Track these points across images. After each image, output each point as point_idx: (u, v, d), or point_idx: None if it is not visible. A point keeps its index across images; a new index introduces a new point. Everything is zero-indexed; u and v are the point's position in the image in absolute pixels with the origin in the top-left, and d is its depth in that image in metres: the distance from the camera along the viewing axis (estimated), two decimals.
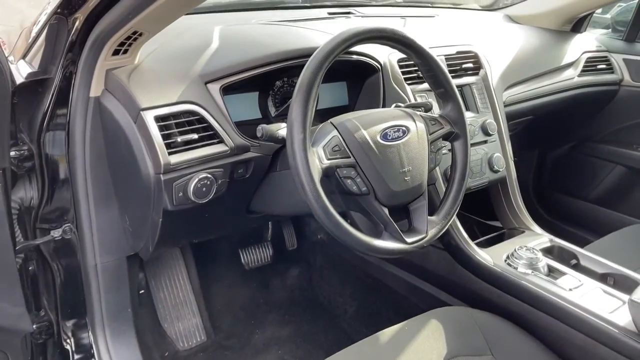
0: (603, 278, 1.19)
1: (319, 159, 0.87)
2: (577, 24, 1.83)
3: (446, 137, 1.04)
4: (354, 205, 0.97)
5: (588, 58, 1.72)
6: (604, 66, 1.75)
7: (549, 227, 1.42)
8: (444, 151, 1.06)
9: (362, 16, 1.60)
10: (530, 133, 1.74)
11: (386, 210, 0.93)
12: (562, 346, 1.05)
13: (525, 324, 1.10)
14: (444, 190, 1.05)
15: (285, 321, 1.60)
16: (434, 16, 1.77)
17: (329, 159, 0.88)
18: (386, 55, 1.25)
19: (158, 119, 0.94)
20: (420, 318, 1.07)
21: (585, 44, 1.78)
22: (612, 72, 1.77)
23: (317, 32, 1.25)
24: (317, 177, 0.84)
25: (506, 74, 1.49)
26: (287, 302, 1.65)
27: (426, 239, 0.97)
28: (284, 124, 0.93)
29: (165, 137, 0.93)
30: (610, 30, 1.95)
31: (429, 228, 0.98)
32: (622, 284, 1.16)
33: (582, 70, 1.68)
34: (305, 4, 1.60)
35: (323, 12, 1.55)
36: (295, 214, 1.49)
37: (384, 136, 0.93)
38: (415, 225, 0.98)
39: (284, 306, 1.64)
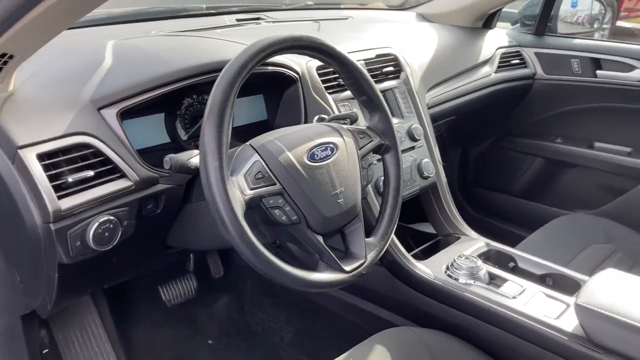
0: (542, 279, 1.17)
1: (240, 190, 0.76)
2: (488, 20, 1.84)
3: (376, 150, 0.96)
4: (285, 236, 0.87)
5: (502, 54, 1.72)
6: (517, 61, 1.77)
7: (478, 225, 1.39)
8: (374, 162, 0.98)
9: (273, 21, 1.50)
10: (453, 133, 1.72)
11: (320, 239, 0.84)
12: (511, 358, 1.01)
13: (473, 338, 1.05)
14: (379, 206, 0.98)
15: (217, 356, 1.46)
16: (347, 18, 1.70)
17: (252, 189, 0.77)
18: (304, 64, 1.15)
19: (42, 156, 0.78)
20: (364, 345, 0.98)
21: (498, 39, 1.79)
22: (526, 67, 1.79)
23: (227, 42, 1.13)
24: (239, 212, 0.73)
25: (427, 75, 1.45)
26: (218, 335, 1.52)
27: (366, 264, 0.89)
28: (195, 151, 0.81)
29: (52, 177, 0.78)
30: (519, 25, 1.98)
31: (367, 252, 0.90)
32: (561, 284, 1.14)
33: (498, 67, 1.69)
34: (210, 11, 1.47)
35: (230, 19, 1.43)
36: (218, 247, 1.36)
37: (312, 156, 0.83)
38: (353, 250, 0.90)
39: (215, 339, 1.50)
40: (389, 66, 1.33)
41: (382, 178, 1.10)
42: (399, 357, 0.96)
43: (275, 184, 0.79)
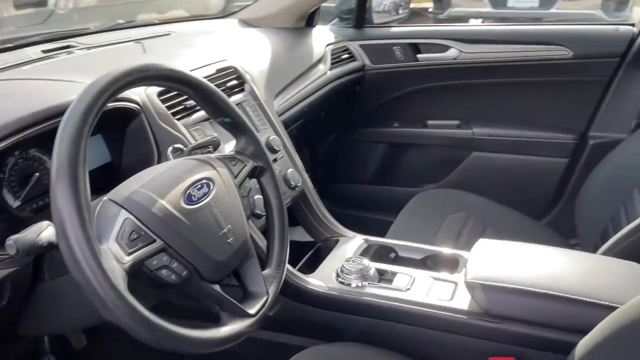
0: (424, 263, 1.21)
1: (116, 259, 0.63)
2: (310, 19, 1.86)
3: (251, 174, 0.89)
4: (175, 296, 0.76)
5: (332, 50, 1.75)
6: (347, 56, 1.81)
7: (341, 220, 1.39)
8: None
9: (87, 47, 1.32)
10: (304, 135, 1.71)
11: (217, 287, 0.75)
12: (423, 350, 1.03)
13: (382, 340, 1.04)
14: (260, 233, 0.91)
15: None
16: (169, 33, 1.58)
17: (130, 254, 0.65)
18: (142, 92, 1.02)
19: None
20: None
21: (325, 37, 1.82)
22: (355, 60, 1.84)
23: (45, 81, 0.95)
24: (122, 287, 0.61)
25: (269, 83, 1.40)
26: None
27: (269, 300, 0.82)
28: (45, 222, 0.66)
29: None
30: (337, 19, 2.03)
31: (268, 286, 0.83)
32: (441, 262, 1.20)
33: (332, 63, 1.71)
34: (6, 45, 1.24)
35: (35, 51, 1.22)
36: (89, 325, 1.16)
37: (188, 199, 0.73)
38: (252, 289, 0.82)
39: None
40: (231, 80, 1.26)
41: (257, 200, 1.04)
42: None
43: (154, 241, 0.68)
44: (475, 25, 1.76)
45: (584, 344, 0.85)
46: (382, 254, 1.24)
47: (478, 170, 1.78)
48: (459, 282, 1.07)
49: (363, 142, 1.96)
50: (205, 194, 0.75)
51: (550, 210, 1.75)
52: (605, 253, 1.11)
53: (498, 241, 1.09)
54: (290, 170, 1.26)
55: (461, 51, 1.72)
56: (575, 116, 1.65)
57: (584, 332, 0.86)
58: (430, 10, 7.04)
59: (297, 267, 1.19)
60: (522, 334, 0.94)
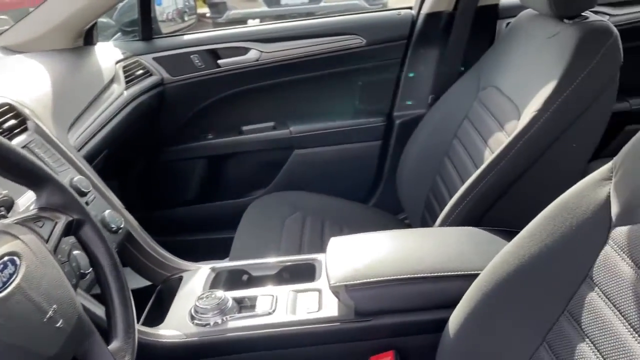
0: (280, 277, 1.14)
1: None
2: (88, 36, 1.63)
3: (66, 232, 0.71)
4: None
5: (124, 68, 1.56)
6: (141, 71, 1.63)
7: (179, 251, 1.27)
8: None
9: None
10: (112, 166, 1.50)
11: None
12: None
13: None
14: (101, 297, 0.75)
15: None
16: None
17: None
18: None
19: None
20: None
21: (112, 53, 1.61)
22: (151, 74, 1.68)
23: None
24: None
25: (58, 115, 1.18)
26: None
27: None
28: None
29: None
30: (120, 34, 1.83)
31: None
32: (297, 271, 1.14)
33: (126, 82, 1.52)
34: None
35: None
36: None
37: None
38: None
39: None
40: (9, 120, 1.02)
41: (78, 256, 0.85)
42: None
43: None
44: (272, 23, 1.72)
45: (455, 316, 0.87)
46: (234, 279, 1.14)
47: (303, 167, 1.77)
48: (322, 289, 1.02)
49: (179, 161, 1.81)
50: (12, 275, 0.57)
51: (375, 191, 1.82)
52: (442, 224, 1.17)
53: (348, 237, 1.07)
54: (107, 212, 1.07)
55: (262, 51, 1.68)
56: (380, 100, 1.74)
57: (453, 305, 0.89)
58: (208, 15, 6.98)
59: (141, 321, 1.02)
60: (396, 325, 0.94)
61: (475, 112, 1.40)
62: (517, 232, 1.08)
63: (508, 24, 1.61)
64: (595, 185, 0.74)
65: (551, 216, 0.77)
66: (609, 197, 0.71)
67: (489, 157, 1.22)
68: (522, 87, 1.20)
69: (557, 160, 1.08)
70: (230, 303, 1.00)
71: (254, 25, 1.71)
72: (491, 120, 1.29)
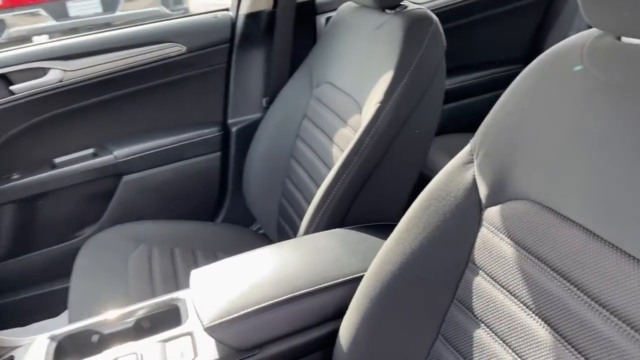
0: (140, 328, 0.98)
1: None
2: None
3: None
4: None
5: None
6: None
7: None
8: None
9: None
10: None
11: None
12: None
13: None
14: None
15: None
16: None
17: None
18: None
19: None
20: None
21: None
22: None
23: None
24: None
25: None
26: None
27: None
28: None
29: None
30: None
31: None
32: (159, 316, 0.99)
33: None
34: None
35: None
36: None
37: None
38: None
39: None
40: None
41: None
42: None
43: None
44: (75, 37, 1.48)
45: (345, 326, 0.82)
46: (81, 344, 0.95)
47: (136, 194, 1.58)
48: (194, 331, 0.90)
49: None
50: None
51: (221, 206, 1.71)
52: (306, 232, 1.12)
53: (211, 267, 0.96)
54: None
55: (65, 70, 1.44)
56: (211, 108, 1.62)
57: (341, 315, 0.84)
58: None
59: None
60: (285, 351, 0.86)
61: (313, 111, 1.38)
62: (385, 224, 1.09)
63: (328, 18, 1.62)
64: (460, 171, 0.74)
65: (423, 207, 0.76)
66: (474, 179, 0.72)
67: (338, 154, 1.21)
68: (358, 81, 1.20)
69: (404, 149, 1.10)
70: None
71: (51, 41, 1.46)
72: (332, 116, 1.28)
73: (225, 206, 1.70)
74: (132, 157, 1.55)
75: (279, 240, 1.40)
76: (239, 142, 1.62)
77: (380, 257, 0.80)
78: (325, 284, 0.87)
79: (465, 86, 1.82)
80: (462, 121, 1.70)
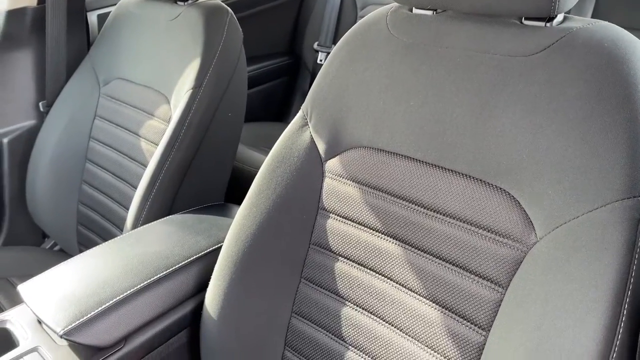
0: None
1: None
2: None
3: None
4: None
5: None
6: None
7: None
8: None
9: None
10: None
11: None
12: None
13: None
14: None
15: None
16: None
17: None
18: None
19: None
20: None
21: None
22: None
23: None
24: None
25: None
26: None
27: None
28: None
29: None
30: None
31: None
32: None
33: None
34: None
35: None
36: None
37: None
38: None
39: None
40: None
41: None
42: None
43: None
44: None
45: (210, 294, 0.86)
46: None
47: None
48: (40, 345, 0.81)
49: None
50: None
51: (0, 228, 1.49)
52: (133, 227, 1.09)
53: (37, 278, 0.88)
54: None
55: None
56: None
57: (203, 289, 0.87)
58: None
59: None
60: (152, 337, 0.84)
61: (107, 109, 1.32)
62: (214, 205, 1.13)
63: (100, 15, 1.55)
64: (298, 134, 0.85)
65: (271, 170, 0.84)
66: (312, 139, 0.84)
67: (149, 147, 1.20)
68: (159, 72, 1.21)
69: (220, 132, 1.16)
70: None
71: None
72: (134, 111, 1.25)
73: (5, 227, 1.49)
74: None
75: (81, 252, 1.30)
76: (14, 153, 1.44)
77: (237, 222, 0.85)
78: (179, 264, 0.88)
79: (256, 75, 1.94)
80: (255, 108, 1.82)
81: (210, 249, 0.92)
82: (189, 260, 0.90)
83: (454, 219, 0.69)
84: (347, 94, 0.81)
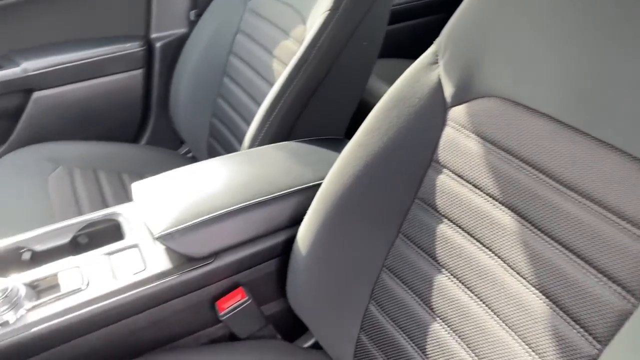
0: (78, 244, 0.91)
1: None
2: None
3: None
4: None
5: None
6: None
7: None
8: None
9: None
10: None
11: None
12: (140, 342, 0.80)
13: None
14: None
15: None
16: None
17: None
18: None
19: None
20: None
21: None
22: None
23: None
24: None
25: None
26: None
27: None
28: None
29: None
30: None
31: None
32: (97, 232, 0.93)
33: None
34: None
35: None
36: None
37: None
38: None
39: None
40: None
41: None
42: None
43: None
44: None
45: (303, 232, 0.82)
46: (10, 261, 0.87)
47: (49, 112, 1.43)
48: (139, 243, 0.85)
49: None
50: None
51: (145, 127, 1.61)
52: (250, 147, 1.09)
53: (153, 179, 0.91)
54: None
55: None
56: (133, 21, 1.49)
57: (298, 223, 0.83)
58: None
59: None
60: (240, 259, 0.84)
61: (249, 24, 1.31)
62: (332, 139, 1.08)
63: None
64: (425, 71, 0.74)
65: (387, 109, 0.76)
66: (439, 80, 0.73)
67: (279, 68, 1.17)
68: None
69: (351, 61, 1.08)
70: (23, 291, 0.76)
71: None
72: (272, 29, 1.22)
73: (150, 127, 1.60)
74: (44, 70, 1.39)
75: None
76: (164, 58, 1.51)
77: (341, 160, 0.79)
78: (280, 192, 0.86)
79: (409, 7, 1.81)
80: (404, 44, 1.71)
81: (313, 183, 0.88)
82: (290, 190, 0.86)
83: (591, 201, 0.55)
84: (489, 31, 0.68)
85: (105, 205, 1.21)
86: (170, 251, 0.82)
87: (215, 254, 0.82)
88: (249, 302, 0.82)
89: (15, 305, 0.73)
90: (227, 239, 0.83)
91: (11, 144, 1.40)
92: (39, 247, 0.88)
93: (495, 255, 0.64)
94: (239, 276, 0.85)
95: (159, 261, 0.81)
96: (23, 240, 0.89)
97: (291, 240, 0.84)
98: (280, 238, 0.86)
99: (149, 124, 1.59)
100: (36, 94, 1.41)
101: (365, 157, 0.76)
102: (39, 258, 0.87)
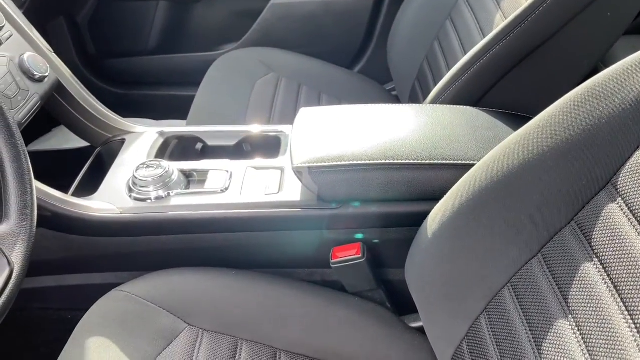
0: (240, 150, 0.98)
1: None
2: None
3: None
4: None
5: None
6: None
7: (128, 107, 1.09)
8: None
9: None
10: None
11: None
12: (259, 256, 0.84)
13: (206, 257, 0.83)
14: None
15: None
16: None
17: None
18: None
19: None
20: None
21: None
22: None
23: None
24: None
25: None
26: None
27: (18, 271, 0.53)
28: None
29: None
30: None
31: (8, 251, 0.53)
32: (260, 144, 0.98)
33: None
34: None
35: None
36: None
37: None
38: None
39: None
40: None
41: None
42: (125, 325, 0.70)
43: None
44: None
45: (437, 211, 0.73)
46: (185, 147, 0.99)
47: (280, 21, 1.52)
48: (285, 167, 0.87)
49: (136, 1, 1.54)
50: None
51: (362, 56, 1.60)
52: (434, 102, 1.00)
53: (321, 109, 0.90)
54: (28, 54, 0.87)
55: None
56: None
57: (437, 199, 0.75)
58: None
59: (71, 190, 0.88)
60: (366, 215, 0.80)
61: None
62: (522, 116, 0.93)
63: None
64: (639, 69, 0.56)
65: (575, 103, 0.60)
66: None
67: (499, 21, 1.02)
68: None
69: (584, 32, 0.88)
70: (176, 176, 0.85)
71: None
72: None
73: (366, 57, 1.59)
74: None
75: None
76: None
77: (501, 148, 0.67)
78: (431, 162, 0.77)
79: None
80: None
81: (471, 162, 0.77)
82: (443, 162, 0.77)
83: None
84: None
85: (294, 119, 1.27)
86: (302, 186, 0.82)
87: (342, 202, 0.80)
88: (362, 260, 0.79)
89: (166, 186, 0.83)
90: (360, 191, 0.79)
91: (244, 42, 1.54)
92: (210, 143, 0.97)
93: (637, 328, 0.48)
94: (362, 231, 0.81)
95: (292, 190, 0.82)
96: (202, 132, 0.98)
97: (424, 215, 0.77)
98: (413, 208, 0.79)
99: (366, 53, 1.58)
100: (274, 1, 1.50)
101: (528, 153, 0.63)
102: (207, 152, 0.97)
